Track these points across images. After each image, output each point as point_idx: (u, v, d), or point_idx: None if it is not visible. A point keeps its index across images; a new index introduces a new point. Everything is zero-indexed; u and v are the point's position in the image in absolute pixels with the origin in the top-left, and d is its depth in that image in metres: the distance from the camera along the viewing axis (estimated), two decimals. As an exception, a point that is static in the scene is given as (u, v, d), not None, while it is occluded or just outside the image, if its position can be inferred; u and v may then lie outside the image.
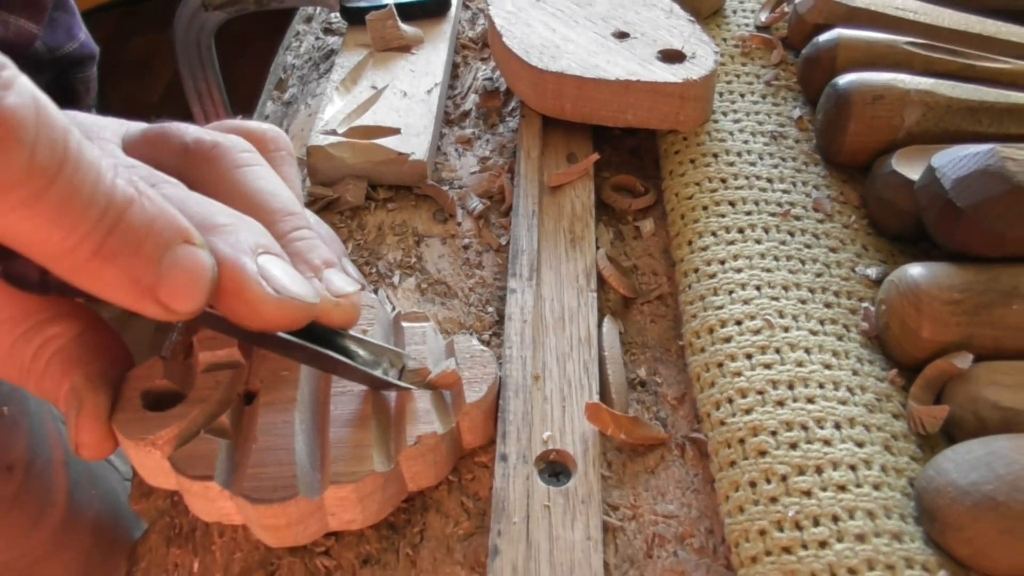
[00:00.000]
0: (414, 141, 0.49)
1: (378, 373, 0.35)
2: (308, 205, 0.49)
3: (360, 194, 0.49)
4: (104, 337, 0.35)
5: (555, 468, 0.36)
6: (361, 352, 0.35)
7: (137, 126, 0.34)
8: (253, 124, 0.36)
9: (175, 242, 0.26)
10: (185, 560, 0.37)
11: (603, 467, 0.37)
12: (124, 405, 0.35)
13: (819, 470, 0.33)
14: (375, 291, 0.44)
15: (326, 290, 0.32)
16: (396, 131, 0.50)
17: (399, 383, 0.35)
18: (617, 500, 0.37)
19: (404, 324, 0.39)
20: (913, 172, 0.42)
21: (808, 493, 0.33)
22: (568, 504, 0.35)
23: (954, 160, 0.38)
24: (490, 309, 0.44)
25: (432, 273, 0.46)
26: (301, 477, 0.34)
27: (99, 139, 0.32)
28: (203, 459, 0.34)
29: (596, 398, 0.38)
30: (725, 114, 0.49)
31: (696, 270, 0.42)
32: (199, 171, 0.32)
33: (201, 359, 0.37)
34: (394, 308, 0.41)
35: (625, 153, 0.52)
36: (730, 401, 0.36)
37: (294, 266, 0.31)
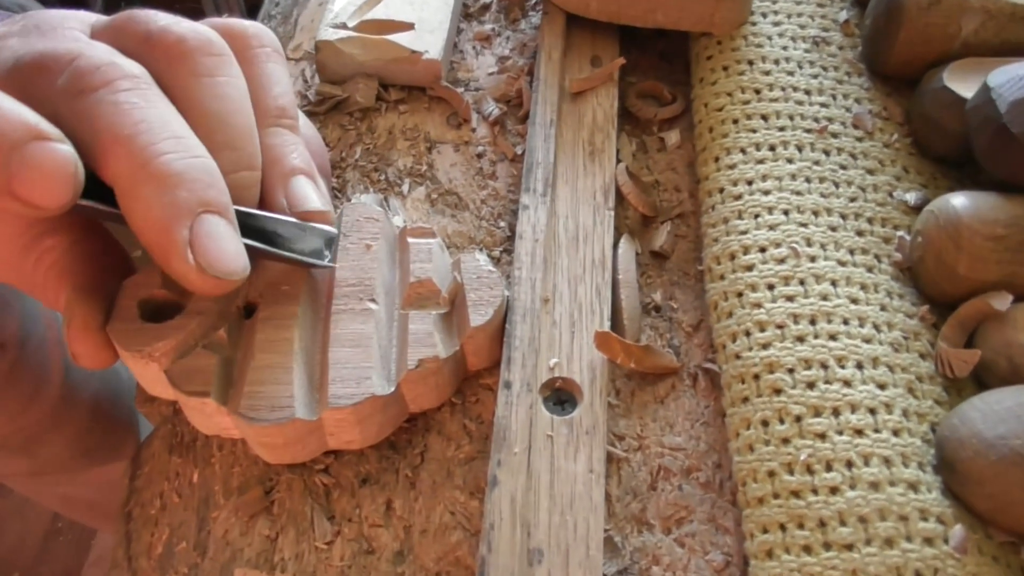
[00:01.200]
0: (428, 38, 0.46)
1: (304, 255, 0.34)
2: (317, 104, 0.47)
3: (370, 94, 0.46)
4: (98, 245, 0.34)
5: (561, 396, 0.35)
6: (282, 232, 0.33)
7: (106, 17, 0.32)
8: (235, 22, 0.33)
9: (23, 140, 0.25)
10: (186, 470, 0.37)
11: (611, 395, 0.36)
12: (120, 314, 0.34)
13: (836, 412, 0.32)
14: (384, 201, 0.42)
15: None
16: (410, 26, 0.47)
17: (323, 263, 0.34)
18: (623, 430, 0.36)
19: (410, 240, 0.37)
20: (966, 89, 0.38)
21: (823, 436, 0.31)
22: (572, 435, 0.33)
23: (1013, 80, 0.34)
24: (502, 224, 0.42)
25: (443, 183, 0.44)
26: (299, 397, 0.33)
27: (61, 28, 0.30)
28: (200, 374, 0.33)
29: (607, 324, 0.36)
30: (764, 15, 0.45)
31: (721, 190, 0.39)
32: (160, 67, 0.30)
33: None
34: (398, 224, 0.39)
35: (654, 56, 0.48)
36: (747, 334, 0.35)
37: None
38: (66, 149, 0.26)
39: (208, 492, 0.36)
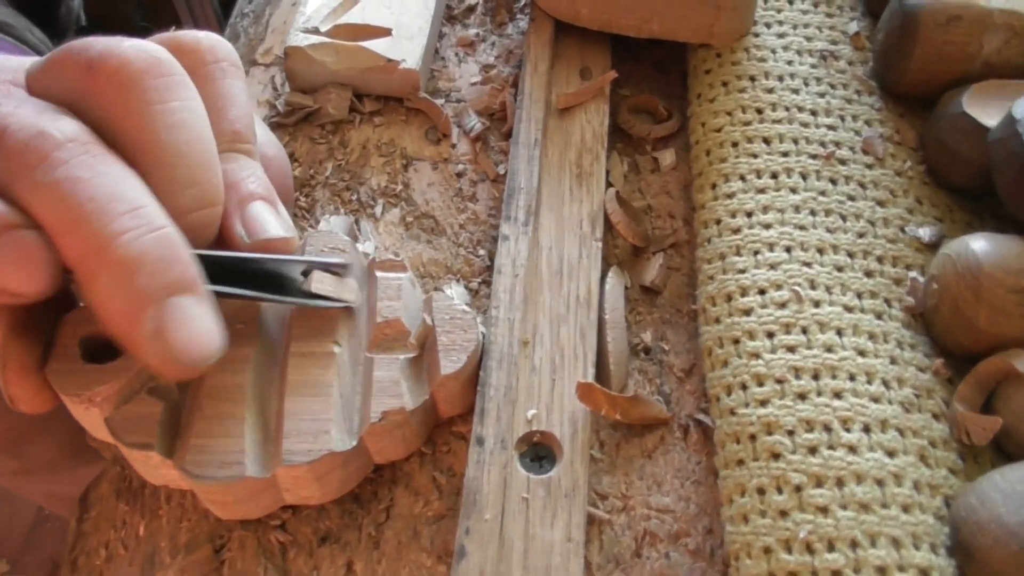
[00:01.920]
0: (407, 45, 0.43)
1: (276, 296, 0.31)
2: (286, 115, 0.43)
3: (344, 106, 0.43)
4: None
5: (539, 451, 0.32)
6: (289, 273, 0.31)
7: (44, 58, 0.28)
8: (187, 35, 0.30)
9: None
10: (133, 519, 0.34)
11: (594, 447, 0.33)
12: (59, 353, 0.31)
13: (840, 483, 0.29)
14: (355, 224, 0.39)
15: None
16: (387, 32, 0.43)
17: (301, 301, 0.32)
18: (607, 488, 0.33)
19: (378, 274, 0.34)
20: (987, 116, 0.35)
21: (825, 510, 0.28)
22: (549, 497, 0.31)
23: (1042, 112, 0.31)
24: (481, 252, 0.39)
25: (419, 204, 0.40)
26: (250, 451, 0.30)
27: None
28: (143, 424, 0.30)
29: (591, 371, 0.33)
30: (768, 26, 0.42)
31: (718, 221, 0.36)
32: (107, 99, 0.26)
33: None
34: (367, 252, 0.36)
35: (648, 66, 0.45)
36: (744, 387, 0.32)
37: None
38: (33, 236, 0.25)
39: (154, 548, 0.33)
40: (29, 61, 0.28)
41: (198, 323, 0.25)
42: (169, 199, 0.26)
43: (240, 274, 0.29)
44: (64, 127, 0.25)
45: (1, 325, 0.29)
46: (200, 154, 0.27)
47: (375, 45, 0.42)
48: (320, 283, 0.31)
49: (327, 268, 0.32)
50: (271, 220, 0.30)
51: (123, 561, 0.34)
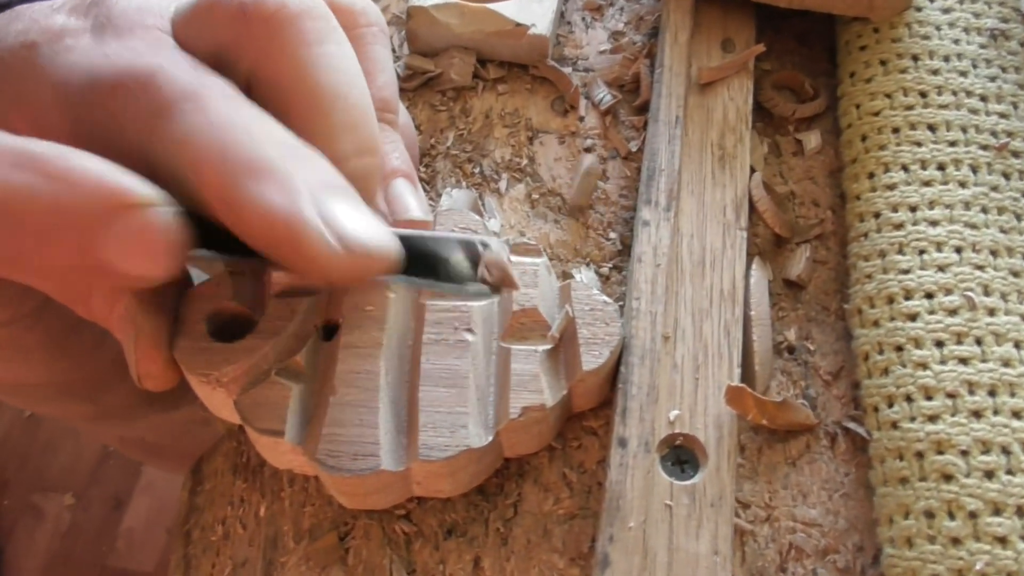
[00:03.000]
0: (536, 9, 0.40)
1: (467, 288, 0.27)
2: (406, 79, 0.41)
3: (467, 71, 0.41)
4: None
5: (680, 455, 0.30)
6: (443, 253, 0.27)
7: (193, 2, 0.26)
8: None
9: (114, 211, 0.21)
10: (251, 498, 0.34)
11: (736, 453, 0.31)
12: (186, 330, 0.30)
13: (1021, 512, 0.26)
14: (479, 199, 0.37)
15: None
16: (514, -7, 0.41)
17: (482, 293, 0.27)
18: (749, 496, 0.31)
19: (513, 258, 0.32)
20: None
21: (1004, 541, 0.26)
22: (694, 506, 0.29)
23: None
24: (612, 235, 0.37)
25: (546, 180, 0.38)
26: (384, 443, 0.29)
27: (139, 27, 0.25)
28: (273, 409, 0.29)
29: (737, 372, 0.31)
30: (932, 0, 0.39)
31: (877, 215, 0.34)
32: (261, 44, 0.24)
33: (275, 279, 0.31)
34: (494, 231, 0.35)
35: (790, 39, 0.42)
36: (909, 399, 0.29)
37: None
38: (165, 214, 0.22)
39: (276, 531, 0.32)
40: (173, 4, 0.27)
41: (366, 217, 0.23)
42: (330, 144, 0.24)
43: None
44: (216, 79, 0.24)
45: (133, 300, 0.29)
46: (358, 99, 0.25)
47: (503, 7, 0.40)
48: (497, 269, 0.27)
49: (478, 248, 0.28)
50: (412, 200, 0.29)
51: (242, 540, 0.33)
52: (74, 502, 1.28)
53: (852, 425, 0.32)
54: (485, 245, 0.26)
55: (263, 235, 0.22)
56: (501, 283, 0.26)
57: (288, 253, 0.22)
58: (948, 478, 0.27)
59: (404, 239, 0.26)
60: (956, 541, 0.27)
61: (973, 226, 0.32)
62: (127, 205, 0.21)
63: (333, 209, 0.22)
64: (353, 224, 0.23)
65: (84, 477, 1.31)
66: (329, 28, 0.25)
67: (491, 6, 0.40)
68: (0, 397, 0.64)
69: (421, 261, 0.26)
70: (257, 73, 0.25)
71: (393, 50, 0.43)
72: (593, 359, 0.30)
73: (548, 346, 0.31)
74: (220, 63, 0.25)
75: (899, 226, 0.33)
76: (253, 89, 0.25)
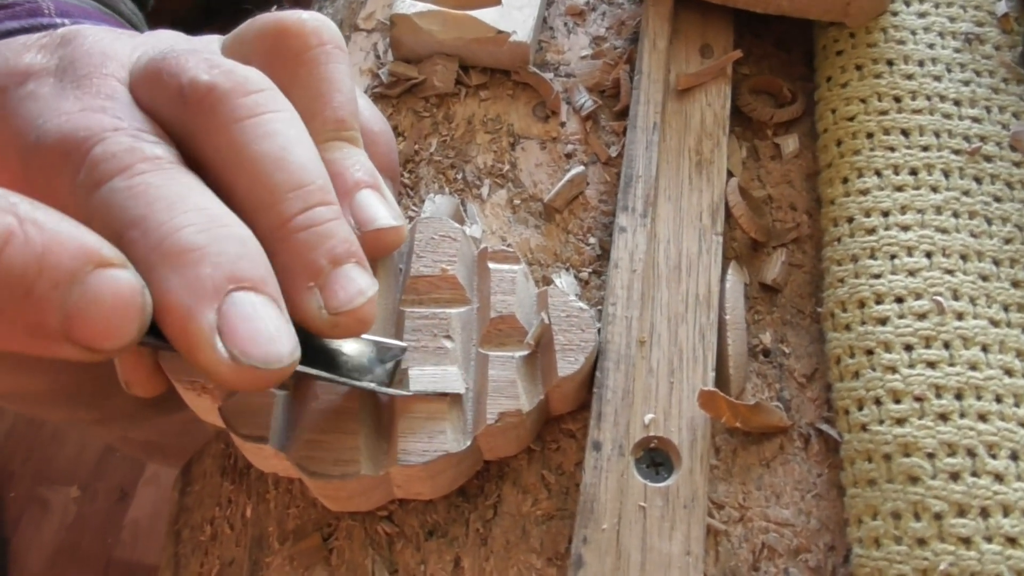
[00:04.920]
0: (517, 16, 0.41)
1: (365, 381, 0.29)
2: (389, 86, 0.42)
3: (450, 78, 0.41)
4: None
5: (655, 457, 0.31)
6: (345, 350, 0.29)
7: (147, 54, 0.27)
8: (290, 16, 0.28)
9: (82, 270, 0.20)
10: (238, 498, 0.34)
11: (710, 454, 0.32)
12: None
13: (985, 514, 0.27)
14: (461, 205, 0.38)
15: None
16: (497, 0, 0.41)
17: (388, 390, 0.30)
18: (723, 497, 0.32)
19: (491, 265, 0.33)
20: None
21: (968, 542, 0.27)
22: (668, 507, 0.30)
23: None
24: (592, 240, 0.37)
25: (527, 186, 0.39)
26: (364, 449, 0.29)
27: (97, 76, 0.26)
28: (257, 415, 0.30)
29: (711, 375, 0.32)
30: (908, 3, 0.39)
31: (850, 219, 0.34)
32: (196, 123, 0.25)
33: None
34: (475, 236, 0.35)
35: (769, 43, 0.42)
36: (878, 403, 0.30)
37: (290, 272, 0.25)
38: (133, 276, 0.22)
39: (262, 531, 0.33)
40: (130, 47, 0.28)
41: (267, 322, 0.23)
42: (275, 206, 0.25)
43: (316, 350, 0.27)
44: (155, 148, 0.24)
45: None
46: (298, 155, 0.26)
47: (484, 15, 0.41)
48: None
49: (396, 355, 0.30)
50: (380, 209, 0.29)
51: (229, 540, 0.34)
52: (80, 494, 1.30)
53: (825, 427, 0.32)
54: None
55: (162, 323, 0.23)
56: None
57: (181, 347, 0.23)
58: (914, 480, 0.28)
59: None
60: (922, 542, 0.27)
61: (944, 230, 0.33)
62: (100, 262, 0.21)
63: (233, 310, 0.22)
64: (249, 328, 0.22)
65: (89, 469, 1.33)
66: (262, 99, 0.26)
67: (473, 13, 0.41)
68: (4, 404, 0.65)
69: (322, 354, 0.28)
70: (198, 149, 0.26)
71: (378, 55, 0.44)
72: (569, 365, 0.31)
73: (525, 352, 0.31)
74: (166, 129, 0.26)
75: (871, 231, 0.33)
76: (198, 162, 0.26)
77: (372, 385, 0.29)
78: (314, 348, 0.28)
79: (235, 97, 0.25)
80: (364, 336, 0.30)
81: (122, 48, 0.27)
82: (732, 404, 0.31)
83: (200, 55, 0.26)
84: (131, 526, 1.27)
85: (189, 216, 0.23)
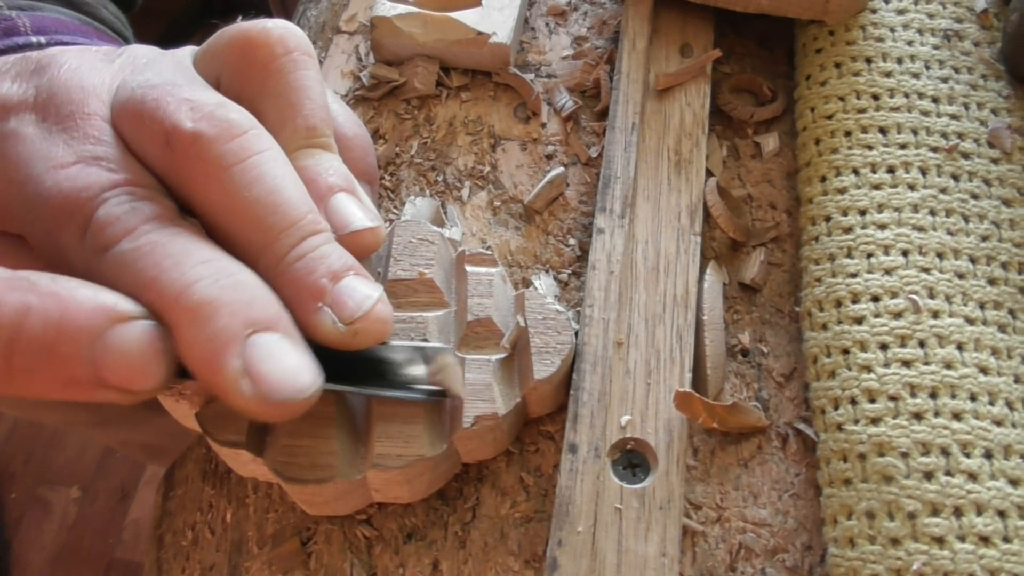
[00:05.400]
0: (497, 17, 0.41)
1: (392, 390, 0.29)
2: (371, 88, 0.42)
3: (431, 80, 0.41)
4: None
5: (632, 459, 0.31)
6: (393, 358, 0.30)
7: (126, 84, 0.27)
8: (254, 27, 0.28)
9: (101, 327, 0.23)
10: (219, 503, 0.35)
11: (688, 455, 0.32)
12: None
13: (959, 512, 0.27)
14: (442, 207, 0.38)
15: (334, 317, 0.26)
16: (476, 2, 0.41)
17: (420, 396, 0.30)
18: (700, 497, 0.32)
19: (468, 268, 0.33)
20: None
21: (941, 541, 0.27)
22: (644, 509, 0.30)
23: None
24: (572, 241, 0.37)
25: (507, 188, 0.39)
26: (341, 453, 0.29)
27: (79, 117, 0.26)
28: (233, 421, 0.30)
29: (688, 376, 0.32)
30: (887, 0, 0.39)
31: (827, 218, 0.34)
32: (185, 171, 0.26)
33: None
34: (455, 239, 0.35)
35: (751, 41, 0.42)
36: (853, 402, 0.30)
37: (297, 300, 0.26)
38: (146, 325, 0.24)
39: (241, 536, 0.33)
40: (109, 76, 0.28)
41: (286, 358, 0.24)
42: (271, 245, 0.26)
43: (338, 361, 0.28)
44: (150, 207, 0.25)
45: None
46: (286, 195, 0.26)
47: (464, 16, 0.41)
48: (446, 376, 0.30)
49: (425, 349, 0.30)
50: (355, 211, 0.29)
51: (210, 545, 0.34)
52: (80, 495, 1.30)
53: (803, 426, 0.32)
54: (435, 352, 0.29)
55: (193, 373, 0.24)
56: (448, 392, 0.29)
57: (214, 392, 0.25)
58: (888, 479, 0.28)
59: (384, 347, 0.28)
60: (895, 541, 0.27)
61: (921, 229, 0.33)
62: (118, 318, 0.23)
63: (255, 353, 0.24)
64: (274, 367, 0.24)
65: (90, 470, 1.33)
66: (246, 141, 0.26)
67: (453, 15, 0.41)
68: (2, 408, 0.66)
69: (368, 366, 0.29)
70: (189, 194, 0.26)
71: (359, 58, 0.44)
72: (545, 367, 0.31)
73: (502, 355, 0.31)
74: (153, 168, 0.27)
75: (848, 230, 0.33)
76: (189, 204, 0.27)
77: (411, 394, 0.29)
78: (364, 366, 0.29)
79: (221, 144, 0.26)
80: (405, 343, 0.30)
81: (99, 79, 0.28)
82: (708, 405, 0.31)
83: (180, 95, 0.26)
84: (132, 526, 1.27)
85: (198, 270, 0.24)
